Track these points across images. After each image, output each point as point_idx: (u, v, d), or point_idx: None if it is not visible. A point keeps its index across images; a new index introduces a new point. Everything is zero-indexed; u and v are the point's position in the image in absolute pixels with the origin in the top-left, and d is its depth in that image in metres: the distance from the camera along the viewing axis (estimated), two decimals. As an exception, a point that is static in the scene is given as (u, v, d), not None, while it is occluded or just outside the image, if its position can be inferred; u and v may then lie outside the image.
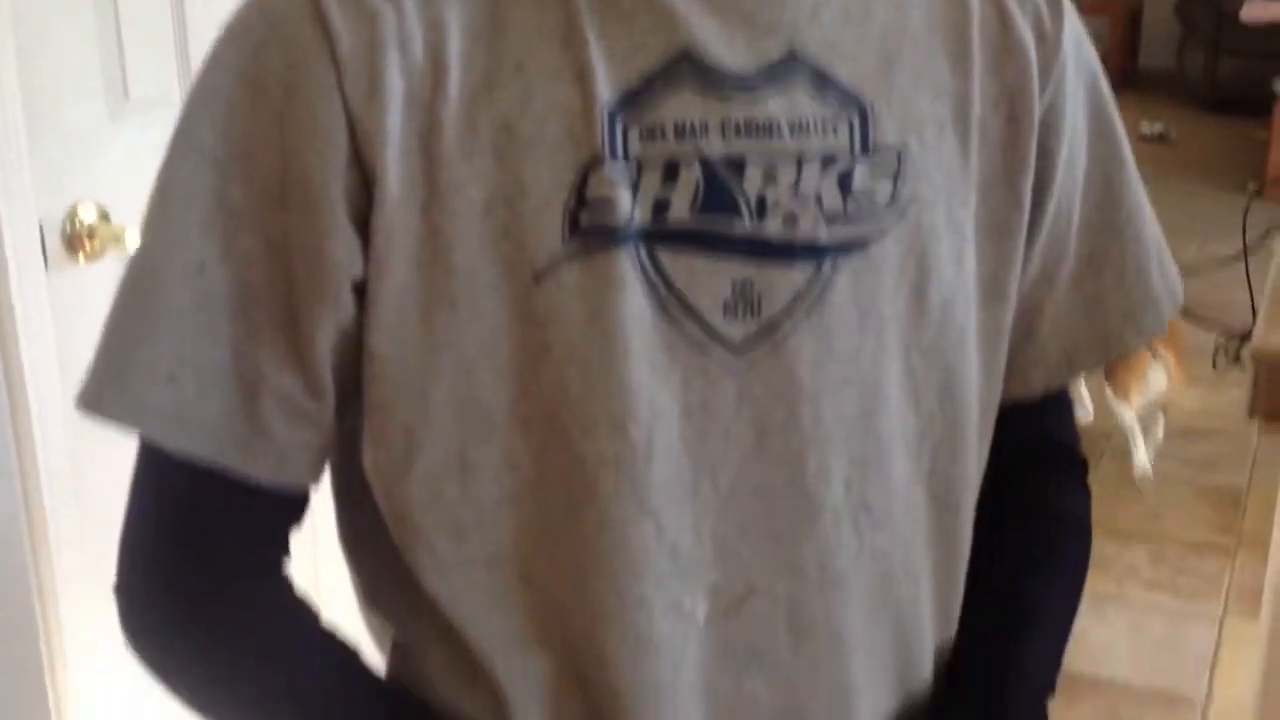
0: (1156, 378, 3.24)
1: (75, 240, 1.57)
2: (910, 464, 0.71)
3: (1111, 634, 2.74)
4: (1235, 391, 4.02)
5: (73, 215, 1.56)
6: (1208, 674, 2.66)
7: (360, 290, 0.63)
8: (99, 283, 1.51)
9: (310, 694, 0.68)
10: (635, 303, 0.63)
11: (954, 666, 0.76)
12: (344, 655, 0.70)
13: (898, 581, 0.71)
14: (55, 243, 1.56)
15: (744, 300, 0.65)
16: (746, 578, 0.68)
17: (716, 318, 0.65)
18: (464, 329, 0.63)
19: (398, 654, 0.73)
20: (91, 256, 1.58)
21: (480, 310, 0.63)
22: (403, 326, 0.63)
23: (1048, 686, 0.77)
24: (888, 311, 0.68)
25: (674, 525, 0.66)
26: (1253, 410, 1.27)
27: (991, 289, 0.72)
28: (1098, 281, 0.77)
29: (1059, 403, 0.84)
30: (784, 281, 0.65)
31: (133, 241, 1.21)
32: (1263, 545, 2.46)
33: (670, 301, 0.64)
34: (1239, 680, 2.59)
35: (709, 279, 0.65)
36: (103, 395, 0.65)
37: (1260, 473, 3.44)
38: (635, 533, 0.65)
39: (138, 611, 0.70)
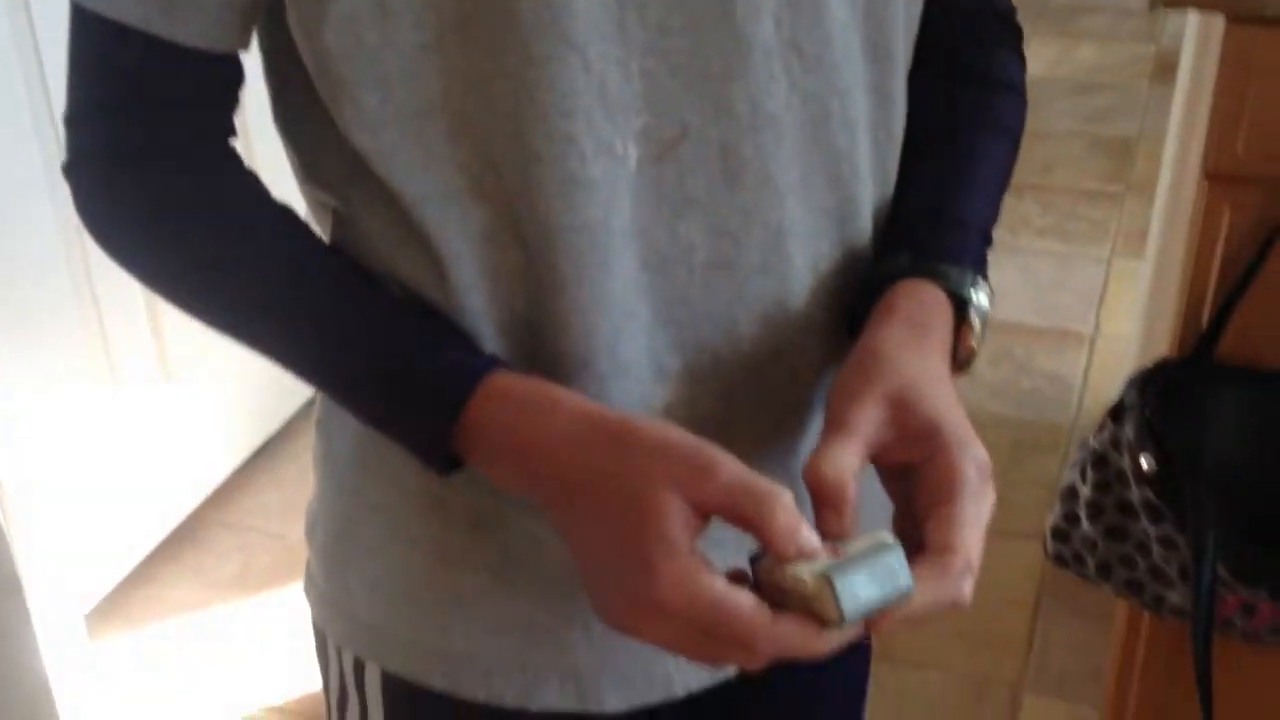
0: None
1: None
2: (845, 8, 0.69)
3: (1002, 278, 2.82)
4: (1130, 46, 4.04)
5: None
6: (1095, 311, 2.76)
7: None
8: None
9: (260, 256, 0.69)
10: None
11: (892, 218, 0.76)
12: (292, 221, 0.70)
13: (833, 129, 0.70)
14: None
15: None
16: (677, 120, 0.66)
17: None
18: None
19: (337, 225, 0.72)
20: None
21: None
22: None
23: (986, 237, 0.77)
24: None
25: (601, 61, 0.64)
26: (1154, 2, 1.26)
27: None
28: None
29: None
30: None
31: None
32: (1151, 189, 2.52)
33: None
34: (1124, 315, 2.70)
35: None
36: None
37: (1151, 122, 3.49)
38: (561, 69, 0.63)
39: (85, 189, 0.70)
